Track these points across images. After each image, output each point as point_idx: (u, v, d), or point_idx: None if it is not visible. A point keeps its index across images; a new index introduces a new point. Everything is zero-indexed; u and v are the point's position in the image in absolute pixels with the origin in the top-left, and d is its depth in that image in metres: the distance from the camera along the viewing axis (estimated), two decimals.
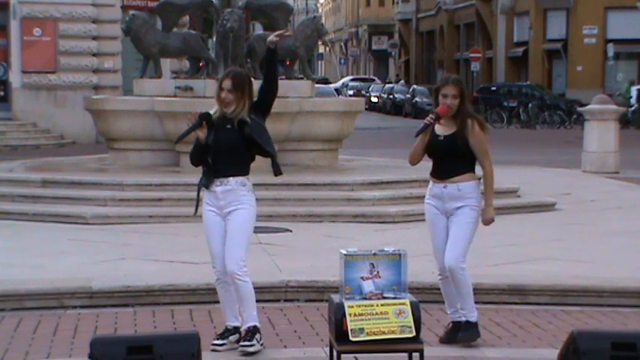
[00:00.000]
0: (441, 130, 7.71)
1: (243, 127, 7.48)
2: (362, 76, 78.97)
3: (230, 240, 7.46)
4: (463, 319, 7.79)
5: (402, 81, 63.83)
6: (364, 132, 33.43)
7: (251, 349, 7.37)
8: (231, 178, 7.50)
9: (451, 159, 7.70)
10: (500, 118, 42.07)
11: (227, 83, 7.50)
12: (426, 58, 73.62)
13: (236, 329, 7.61)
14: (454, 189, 7.69)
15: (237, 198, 7.49)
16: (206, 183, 7.54)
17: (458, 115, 7.68)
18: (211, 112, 7.56)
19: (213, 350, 7.45)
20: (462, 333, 7.77)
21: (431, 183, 7.86)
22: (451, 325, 7.87)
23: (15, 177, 15.12)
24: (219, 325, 7.88)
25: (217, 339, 7.58)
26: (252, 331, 7.45)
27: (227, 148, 7.48)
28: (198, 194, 7.63)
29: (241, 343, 7.43)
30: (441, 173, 7.76)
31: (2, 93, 29.58)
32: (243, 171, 7.54)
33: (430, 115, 7.66)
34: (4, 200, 13.99)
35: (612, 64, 48.05)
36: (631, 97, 41.09)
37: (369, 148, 26.89)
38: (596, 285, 9.52)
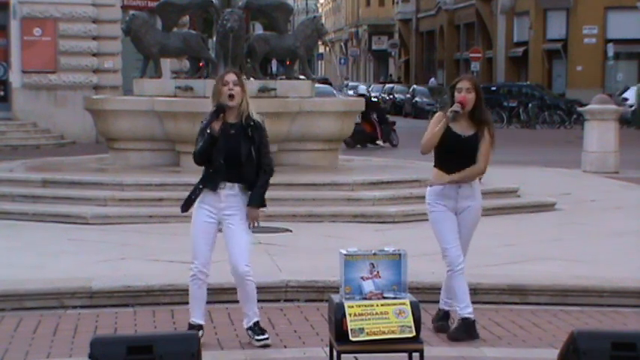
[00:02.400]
0: (459, 130, 7.77)
1: (249, 128, 7.49)
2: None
3: (237, 243, 7.58)
4: (473, 315, 7.94)
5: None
6: None
7: (269, 341, 7.62)
8: (236, 184, 7.54)
9: (468, 159, 7.80)
10: (500, 118, 42.02)
11: (231, 76, 7.54)
12: (426, 58, 73.60)
13: (200, 327, 7.67)
14: (468, 188, 7.89)
15: (238, 203, 7.56)
16: (211, 185, 7.53)
17: (474, 114, 7.76)
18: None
19: None
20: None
21: (439, 186, 7.85)
22: (460, 321, 7.92)
23: (15, 177, 15.11)
24: (220, 325, 7.88)
25: None
26: (259, 326, 7.67)
27: (233, 154, 7.48)
28: (196, 194, 7.61)
29: (258, 338, 7.62)
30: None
31: (2, 93, 29.56)
32: (250, 178, 7.54)
33: (455, 105, 7.68)
34: (4, 200, 13.98)
35: (612, 64, 48.04)
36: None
37: None
38: (596, 285, 9.51)
